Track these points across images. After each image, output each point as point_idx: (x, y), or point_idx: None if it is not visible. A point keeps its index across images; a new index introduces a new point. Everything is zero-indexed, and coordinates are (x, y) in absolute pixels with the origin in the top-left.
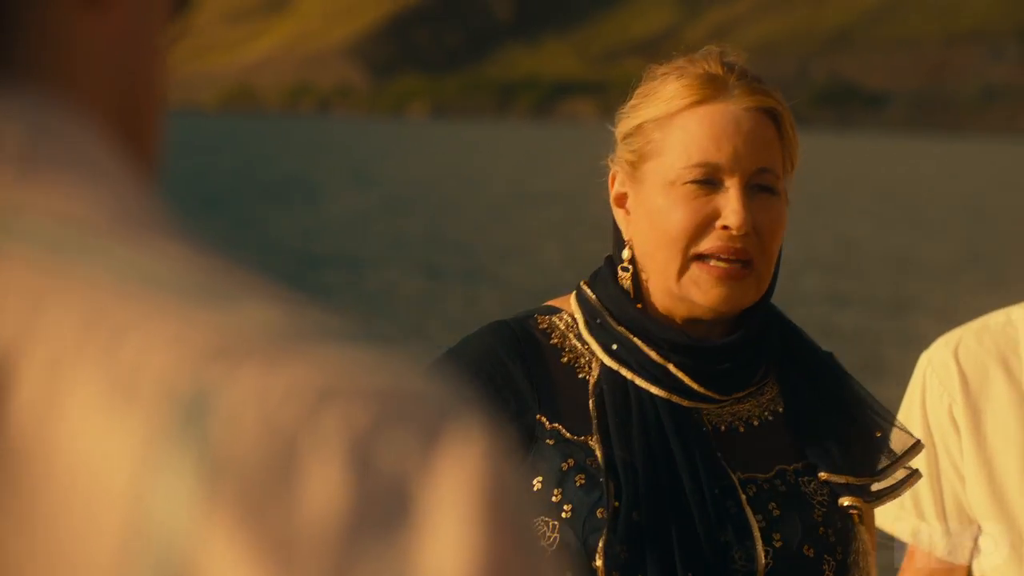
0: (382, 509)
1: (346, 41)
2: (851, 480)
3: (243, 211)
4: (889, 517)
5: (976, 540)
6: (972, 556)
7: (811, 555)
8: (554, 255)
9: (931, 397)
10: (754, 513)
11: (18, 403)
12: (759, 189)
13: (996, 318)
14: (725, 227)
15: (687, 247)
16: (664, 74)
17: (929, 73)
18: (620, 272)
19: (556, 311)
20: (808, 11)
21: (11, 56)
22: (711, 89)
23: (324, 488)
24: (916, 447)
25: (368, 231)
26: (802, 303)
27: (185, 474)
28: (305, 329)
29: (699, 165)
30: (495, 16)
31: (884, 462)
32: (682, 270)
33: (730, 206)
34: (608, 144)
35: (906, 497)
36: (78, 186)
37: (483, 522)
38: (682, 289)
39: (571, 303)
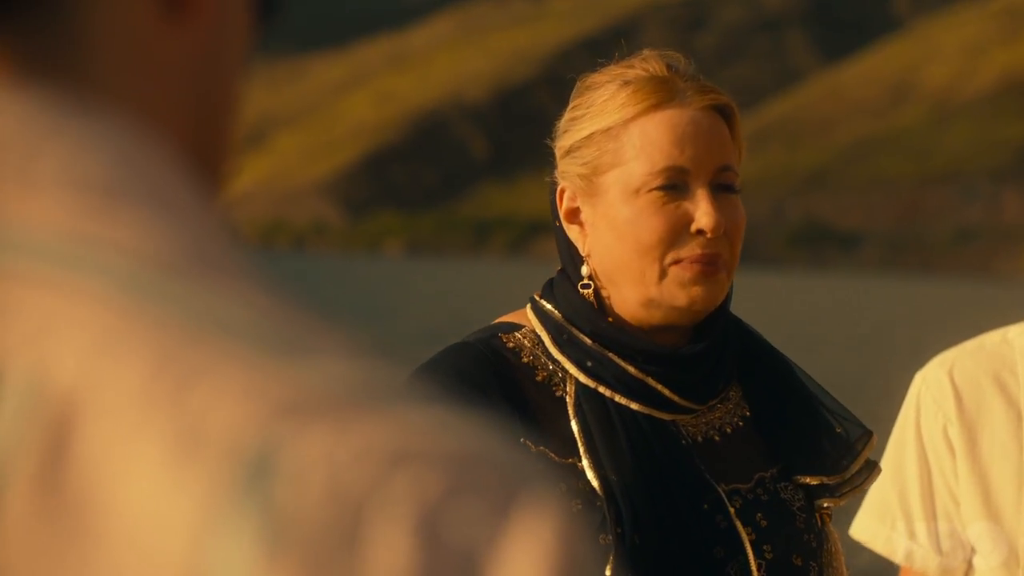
0: None
1: (322, 178)
2: (825, 480)
3: None
4: (881, 538)
5: (970, 560)
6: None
7: (799, 564)
8: None
9: (925, 416)
10: (743, 526)
11: (79, 451)
12: (721, 188)
13: (992, 338)
14: (699, 231)
15: (663, 254)
16: (606, 82)
17: (903, 214)
18: (581, 289)
19: (516, 327)
20: (782, 152)
21: (85, 69)
22: (663, 93)
23: (390, 558)
24: (871, 437)
25: None
26: None
27: (246, 537)
28: (381, 388)
29: (665, 170)
30: (471, 155)
31: (849, 458)
32: (662, 275)
33: (702, 209)
34: None
35: (898, 517)
36: (155, 221)
37: None
38: (664, 293)
39: (529, 318)
